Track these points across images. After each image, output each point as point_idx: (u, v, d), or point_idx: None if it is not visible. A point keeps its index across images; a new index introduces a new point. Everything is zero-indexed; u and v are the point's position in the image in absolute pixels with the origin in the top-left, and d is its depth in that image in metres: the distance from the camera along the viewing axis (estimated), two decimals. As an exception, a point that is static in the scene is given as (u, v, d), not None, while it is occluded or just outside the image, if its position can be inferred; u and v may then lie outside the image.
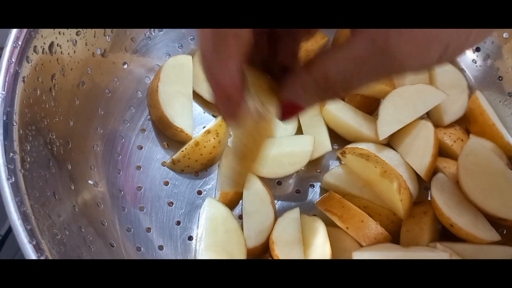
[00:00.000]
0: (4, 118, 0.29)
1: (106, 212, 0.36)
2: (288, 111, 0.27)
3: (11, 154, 0.28)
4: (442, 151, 0.43)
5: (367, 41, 0.22)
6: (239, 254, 0.38)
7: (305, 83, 0.25)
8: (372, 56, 0.23)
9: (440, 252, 0.36)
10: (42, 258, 0.25)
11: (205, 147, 0.41)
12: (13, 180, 0.27)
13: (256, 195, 0.40)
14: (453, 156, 0.42)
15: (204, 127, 0.43)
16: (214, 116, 0.45)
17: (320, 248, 0.38)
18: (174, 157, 0.42)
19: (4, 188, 0.27)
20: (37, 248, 0.25)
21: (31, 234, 0.26)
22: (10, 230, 0.31)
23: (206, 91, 0.45)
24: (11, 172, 0.27)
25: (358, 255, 0.36)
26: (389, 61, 0.22)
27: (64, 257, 0.28)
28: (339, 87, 0.24)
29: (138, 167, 0.41)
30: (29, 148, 0.30)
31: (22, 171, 0.28)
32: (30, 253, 0.25)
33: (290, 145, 0.43)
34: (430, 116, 0.44)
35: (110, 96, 0.41)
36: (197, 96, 0.45)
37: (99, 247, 0.33)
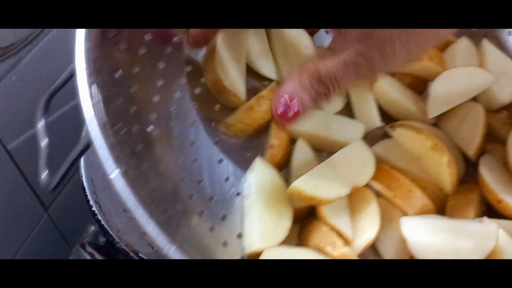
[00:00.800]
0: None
1: (165, 156, 0.37)
2: (283, 113, 0.30)
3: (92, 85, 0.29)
4: (489, 135, 0.44)
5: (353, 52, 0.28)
6: (287, 212, 0.38)
7: (300, 77, 0.29)
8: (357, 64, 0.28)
9: (488, 224, 0.36)
10: (122, 170, 0.26)
11: (258, 111, 0.42)
12: (94, 100, 0.28)
13: (304, 159, 0.41)
14: (501, 140, 0.43)
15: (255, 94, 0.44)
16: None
17: (369, 216, 0.38)
18: (227, 120, 0.43)
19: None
20: (117, 160, 0.26)
21: (112, 148, 0.26)
22: (80, 155, 0.32)
23: (260, 65, 0.46)
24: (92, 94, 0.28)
25: (406, 220, 0.37)
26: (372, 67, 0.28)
27: (133, 182, 0.28)
28: (329, 83, 0.29)
29: (193, 123, 0.42)
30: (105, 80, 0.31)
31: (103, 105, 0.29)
32: (111, 164, 0.26)
33: (339, 133, 0.43)
34: (479, 99, 0.45)
35: (170, 55, 0.42)
36: (249, 70, 0.46)
37: (158, 185, 0.33)
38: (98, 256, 0.45)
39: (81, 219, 0.66)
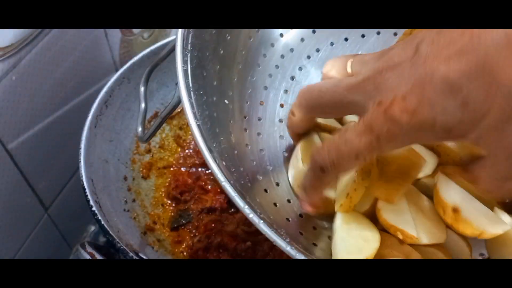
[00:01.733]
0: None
1: (235, 126, 0.40)
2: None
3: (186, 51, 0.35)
4: None
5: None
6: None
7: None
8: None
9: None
10: (198, 123, 0.31)
11: None
12: (185, 68, 0.34)
13: None
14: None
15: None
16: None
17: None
18: None
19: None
20: (195, 116, 0.31)
21: (192, 106, 0.32)
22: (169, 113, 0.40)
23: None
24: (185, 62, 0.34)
25: None
26: None
27: (206, 138, 0.31)
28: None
29: (262, 103, 0.44)
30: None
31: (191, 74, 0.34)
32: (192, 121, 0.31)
33: None
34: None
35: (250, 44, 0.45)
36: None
37: (226, 147, 0.37)
38: (98, 256, 0.45)
39: (81, 219, 0.66)
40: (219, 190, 0.58)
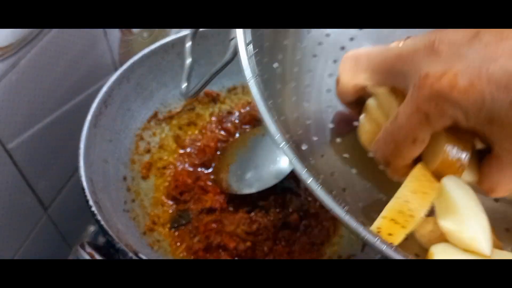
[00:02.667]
0: None
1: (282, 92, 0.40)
2: None
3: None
4: None
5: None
6: None
7: None
8: None
9: None
10: (257, 79, 0.31)
11: None
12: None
13: None
14: None
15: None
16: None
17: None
18: None
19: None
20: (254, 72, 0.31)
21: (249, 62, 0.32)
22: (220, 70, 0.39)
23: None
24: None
25: None
26: None
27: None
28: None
29: (309, 71, 0.43)
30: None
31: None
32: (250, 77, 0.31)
33: None
34: None
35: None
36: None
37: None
38: (97, 256, 0.45)
39: (81, 219, 0.66)
40: (219, 190, 0.58)
